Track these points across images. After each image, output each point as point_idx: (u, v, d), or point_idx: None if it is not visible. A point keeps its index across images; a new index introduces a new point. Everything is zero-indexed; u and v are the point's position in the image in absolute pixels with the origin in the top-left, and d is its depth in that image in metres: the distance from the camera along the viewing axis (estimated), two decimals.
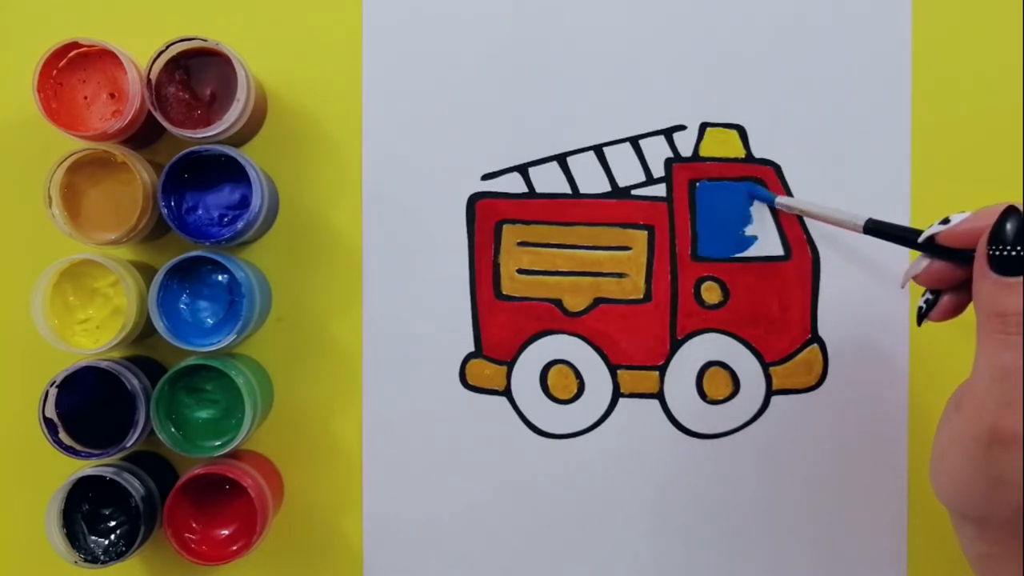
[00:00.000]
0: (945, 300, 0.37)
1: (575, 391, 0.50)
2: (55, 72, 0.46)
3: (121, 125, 0.45)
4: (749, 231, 0.49)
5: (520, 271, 0.50)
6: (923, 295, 0.38)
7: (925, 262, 0.37)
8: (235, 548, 0.46)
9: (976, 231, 0.34)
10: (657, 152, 0.50)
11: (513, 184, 0.50)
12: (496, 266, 0.50)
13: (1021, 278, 0.31)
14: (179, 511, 0.46)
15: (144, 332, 0.48)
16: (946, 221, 0.35)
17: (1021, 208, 0.32)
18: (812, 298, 0.50)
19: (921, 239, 0.36)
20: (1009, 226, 0.32)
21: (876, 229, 0.40)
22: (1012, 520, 0.32)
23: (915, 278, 0.37)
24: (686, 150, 0.50)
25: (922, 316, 0.38)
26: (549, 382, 0.50)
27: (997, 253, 0.32)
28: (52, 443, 0.45)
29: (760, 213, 0.49)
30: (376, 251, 0.50)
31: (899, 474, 0.49)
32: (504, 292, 0.50)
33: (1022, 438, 0.31)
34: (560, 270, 0.50)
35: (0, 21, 0.50)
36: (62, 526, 0.46)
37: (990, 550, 0.34)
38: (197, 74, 0.47)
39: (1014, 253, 0.31)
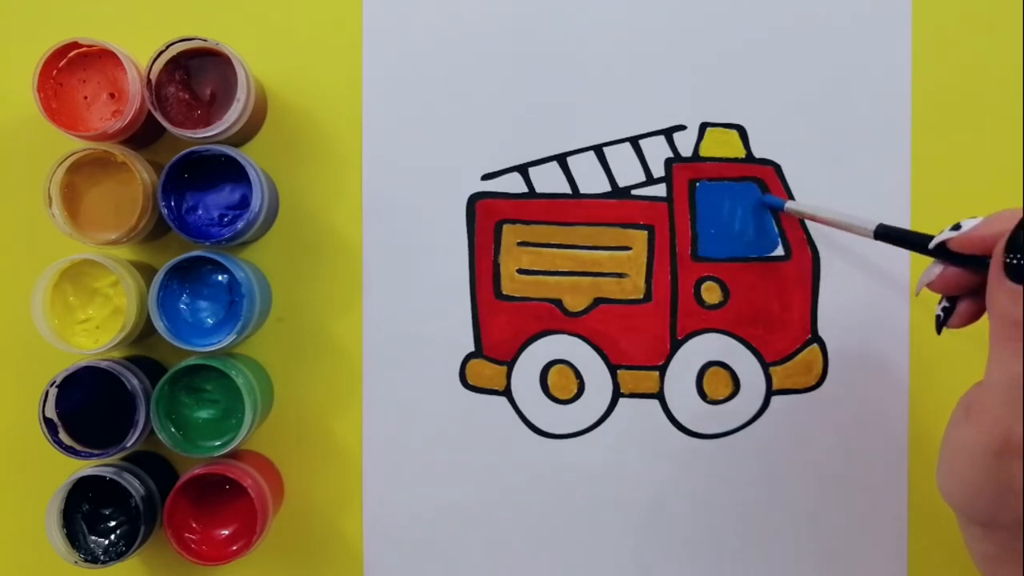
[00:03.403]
0: (962, 306, 0.36)
1: (575, 391, 0.50)
2: (55, 72, 0.46)
3: (121, 125, 0.45)
4: (750, 233, 0.50)
5: (520, 271, 0.50)
6: (940, 302, 0.37)
7: (938, 268, 0.36)
8: (235, 548, 0.46)
9: (989, 237, 0.33)
10: (657, 152, 0.50)
11: (513, 184, 0.50)
12: (496, 266, 0.50)
13: None
14: (179, 511, 0.46)
15: (144, 332, 0.48)
16: (957, 227, 0.35)
17: None
18: (812, 298, 0.50)
19: (932, 245, 0.35)
20: None
21: (887, 234, 0.40)
22: (1018, 524, 0.32)
23: (929, 285, 0.36)
24: (686, 150, 0.50)
25: (940, 324, 0.37)
26: (549, 382, 0.50)
27: (1014, 261, 0.31)
28: (52, 443, 0.45)
29: (760, 213, 0.49)
30: (376, 251, 0.50)
31: (899, 474, 0.49)
32: (504, 292, 0.50)
33: None
34: (560, 270, 0.50)
35: (0, 21, 0.50)
36: (62, 526, 0.46)
37: (995, 551, 0.34)
38: (197, 74, 0.47)
39: None
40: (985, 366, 0.32)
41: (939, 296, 0.37)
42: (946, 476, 0.34)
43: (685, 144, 0.50)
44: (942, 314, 0.37)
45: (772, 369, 0.50)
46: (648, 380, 0.50)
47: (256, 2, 0.50)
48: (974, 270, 0.35)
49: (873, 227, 0.40)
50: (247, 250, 0.50)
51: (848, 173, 0.49)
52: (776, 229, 0.49)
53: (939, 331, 0.37)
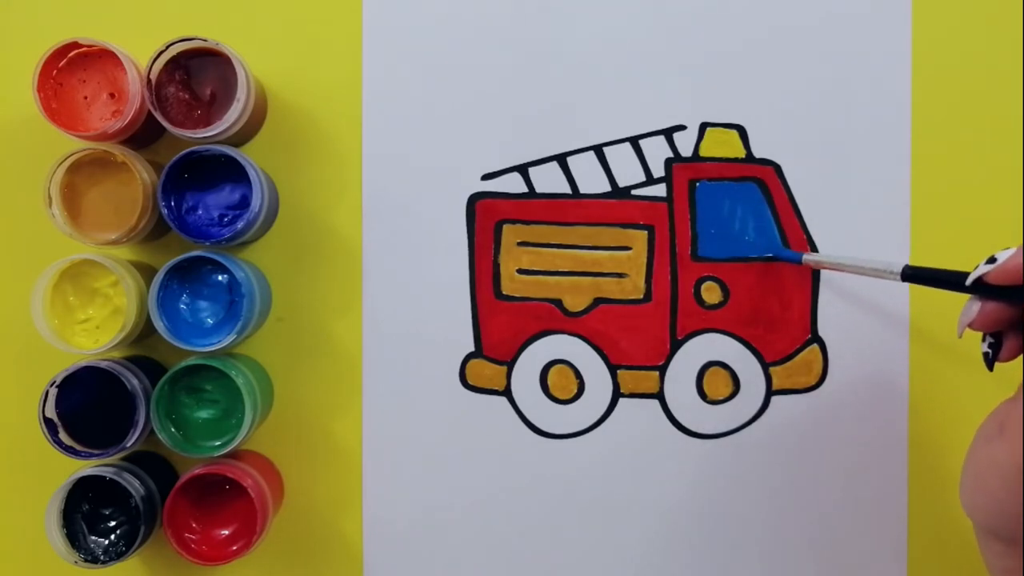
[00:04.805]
0: (1009, 340, 0.34)
1: (575, 391, 0.50)
2: (55, 72, 0.46)
3: (121, 125, 0.45)
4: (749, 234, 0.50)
5: (520, 271, 0.50)
6: (984, 340, 0.35)
7: (976, 306, 0.34)
8: (235, 548, 0.46)
9: None
10: (657, 152, 0.50)
11: (513, 184, 0.50)
12: (496, 266, 0.50)
13: None
14: (179, 511, 0.46)
15: (144, 332, 0.48)
16: (992, 260, 0.33)
17: None
18: (812, 298, 0.50)
19: (969, 282, 0.34)
20: None
21: (915, 275, 0.38)
22: None
23: (970, 325, 0.34)
24: (686, 150, 0.50)
25: (991, 362, 0.35)
26: (549, 382, 0.50)
27: None
28: (52, 443, 0.45)
29: (760, 213, 0.50)
30: (376, 251, 0.50)
31: (899, 474, 0.49)
32: (504, 292, 0.50)
33: None
34: (560, 270, 0.50)
35: (0, 21, 0.50)
36: (62, 526, 0.46)
37: (1017, 567, 0.33)
38: (197, 74, 0.47)
39: None
40: (1021, 384, 0.32)
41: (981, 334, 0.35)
42: (972, 492, 0.33)
43: (685, 144, 0.50)
44: (990, 351, 0.35)
45: (772, 369, 0.50)
46: (648, 380, 0.50)
47: (256, 2, 0.50)
48: (1016, 302, 0.33)
49: (899, 270, 0.39)
50: (247, 250, 0.50)
51: (848, 173, 0.49)
52: (776, 229, 0.49)
53: (991, 368, 0.35)
